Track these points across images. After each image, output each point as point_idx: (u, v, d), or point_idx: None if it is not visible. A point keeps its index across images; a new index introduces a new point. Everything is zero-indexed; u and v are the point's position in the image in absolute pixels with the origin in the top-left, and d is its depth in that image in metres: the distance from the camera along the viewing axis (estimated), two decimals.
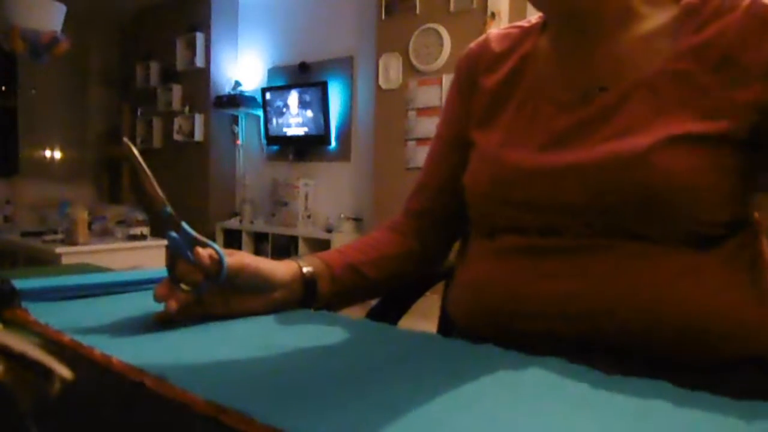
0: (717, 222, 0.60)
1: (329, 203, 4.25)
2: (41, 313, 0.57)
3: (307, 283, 0.69)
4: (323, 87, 4.14)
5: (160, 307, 0.58)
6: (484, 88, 0.77)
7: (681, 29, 0.63)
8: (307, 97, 4.24)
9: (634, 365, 0.48)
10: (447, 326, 0.78)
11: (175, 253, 0.59)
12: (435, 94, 3.47)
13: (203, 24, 4.76)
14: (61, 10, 3.09)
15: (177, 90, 4.94)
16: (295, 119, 4.34)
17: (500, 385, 0.44)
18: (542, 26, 0.76)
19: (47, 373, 0.26)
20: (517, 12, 3.19)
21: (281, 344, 0.54)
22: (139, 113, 5.25)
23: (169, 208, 0.59)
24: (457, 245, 0.87)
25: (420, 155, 3.44)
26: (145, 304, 0.64)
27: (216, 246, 0.60)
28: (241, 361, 0.48)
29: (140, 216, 3.40)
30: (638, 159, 0.58)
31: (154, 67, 5.12)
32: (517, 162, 0.68)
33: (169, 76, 5.00)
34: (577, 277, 0.61)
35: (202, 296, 0.60)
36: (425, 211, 0.84)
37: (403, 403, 0.39)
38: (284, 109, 4.38)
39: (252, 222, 4.53)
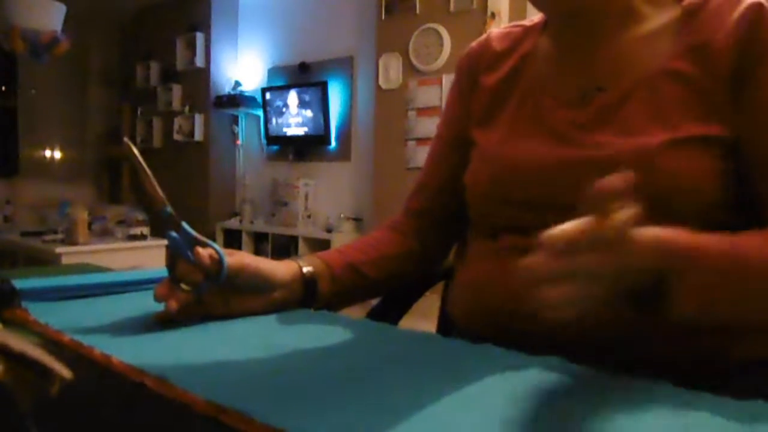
0: (719, 224, 0.60)
1: (329, 203, 4.25)
2: (41, 313, 0.57)
3: (307, 283, 0.69)
4: (323, 87, 4.14)
5: (160, 307, 0.58)
6: (485, 87, 0.77)
7: (681, 30, 0.63)
8: (307, 97, 4.24)
9: (635, 365, 0.48)
10: (447, 326, 0.78)
11: (175, 253, 0.59)
12: (435, 94, 3.46)
13: (203, 24, 4.76)
14: (61, 10, 3.09)
15: (177, 90, 4.94)
16: (295, 119, 4.34)
17: (500, 385, 0.44)
18: (543, 25, 0.76)
19: (47, 373, 0.26)
20: (517, 12, 3.18)
21: (281, 344, 0.54)
22: (139, 113, 5.25)
23: (169, 208, 0.59)
24: (456, 245, 0.87)
25: (420, 155, 3.44)
26: (145, 304, 0.64)
27: (216, 246, 0.60)
28: (241, 361, 0.48)
29: (140, 216, 3.40)
30: (643, 161, 0.58)
31: (154, 67, 5.12)
32: (516, 161, 0.68)
33: (169, 76, 5.00)
34: None
35: (202, 296, 0.60)
36: (425, 211, 0.84)
37: (402, 403, 0.39)
38: (284, 109, 4.38)
39: (252, 222, 4.53)
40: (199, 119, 4.77)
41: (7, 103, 4.92)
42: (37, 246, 3.11)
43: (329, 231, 3.99)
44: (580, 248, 0.42)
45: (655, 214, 0.59)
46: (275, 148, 4.63)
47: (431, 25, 3.47)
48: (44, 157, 5.24)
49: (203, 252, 0.59)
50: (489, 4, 3.25)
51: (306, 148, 4.41)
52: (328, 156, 4.31)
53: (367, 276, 0.76)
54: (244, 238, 4.47)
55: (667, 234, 0.49)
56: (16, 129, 4.95)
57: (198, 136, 4.77)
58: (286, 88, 4.38)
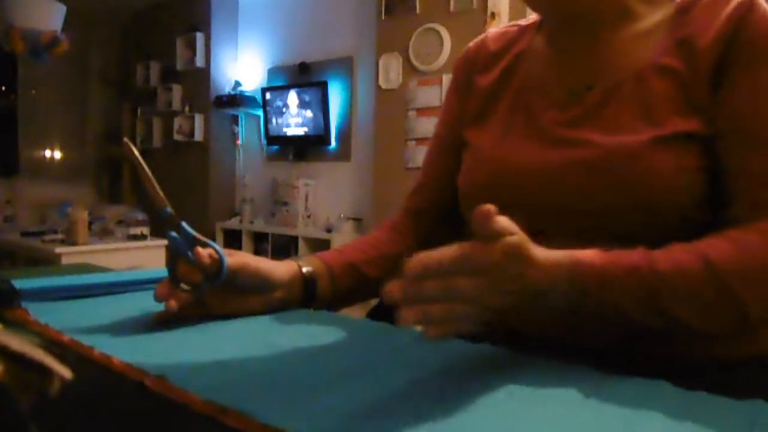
0: (702, 222, 0.60)
1: (329, 203, 4.25)
2: (41, 313, 0.57)
3: (307, 282, 0.69)
4: (323, 87, 4.14)
5: (160, 307, 0.58)
6: (479, 88, 0.77)
7: (673, 26, 0.63)
8: (307, 97, 4.24)
9: (635, 365, 0.48)
10: None
11: (176, 253, 0.59)
12: (435, 94, 3.46)
13: (203, 24, 4.76)
14: (61, 10, 3.09)
15: (177, 90, 4.94)
16: (295, 119, 4.33)
17: (499, 385, 0.44)
18: (539, 24, 0.76)
19: (47, 373, 0.26)
20: (517, 12, 3.18)
21: (281, 344, 0.54)
22: (139, 113, 5.25)
23: (169, 208, 0.59)
24: None
25: (420, 155, 3.44)
26: (145, 304, 0.64)
27: (216, 246, 0.60)
28: (240, 361, 0.48)
29: (140, 216, 3.40)
30: (627, 160, 0.59)
31: (154, 67, 5.12)
32: (507, 163, 0.68)
33: (169, 76, 5.00)
34: None
35: (202, 296, 0.60)
36: (423, 211, 0.84)
37: (402, 403, 0.39)
38: (284, 109, 4.38)
39: (252, 222, 4.52)
40: (199, 119, 4.77)
41: (7, 103, 4.92)
42: (37, 246, 3.11)
43: (329, 231, 3.99)
44: (444, 272, 0.43)
45: (640, 214, 0.59)
46: (275, 148, 4.62)
47: (431, 25, 3.47)
48: (44, 157, 5.24)
49: (203, 252, 0.59)
50: (489, 4, 3.25)
51: (306, 148, 4.41)
52: (328, 156, 4.31)
53: (366, 275, 0.76)
54: (244, 238, 4.47)
55: (565, 255, 0.51)
56: (16, 129, 4.95)
57: (198, 136, 4.77)
58: (286, 88, 4.38)
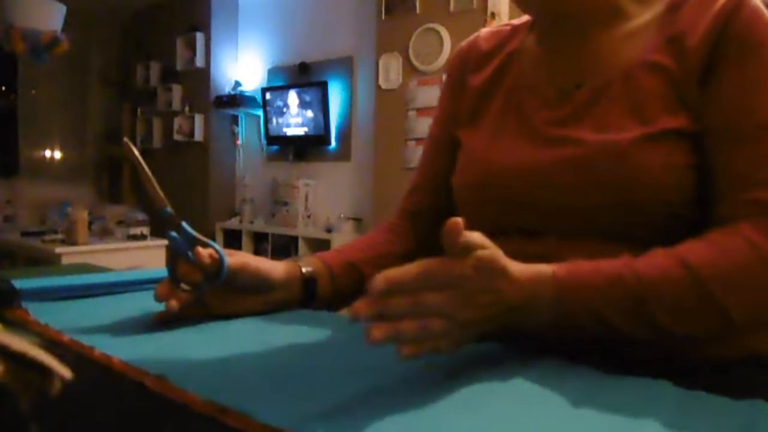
0: (697, 220, 0.60)
1: (329, 203, 4.25)
2: (41, 313, 0.57)
3: (307, 282, 0.69)
4: (323, 87, 4.13)
5: (160, 307, 0.58)
6: (472, 87, 0.77)
7: (663, 24, 0.63)
8: (307, 97, 4.23)
9: (635, 365, 0.48)
10: None
11: (176, 253, 0.59)
12: (435, 94, 3.46)
13: (203, 24, 4.76)
14: (61, 10, 3.09)
15: (177, 90, 4.93)
16: (295, 119, 4.33)
17: (500, 385, 0.44)
18: (531, 24, 0.76)
19: (47, 373, 0.26)
20: (517, 12, 3.17)
21: (281, 344, 0.54)
22: (139, 113, 5.25)
23: (169, 208, 0.59)
24: None
25: (420, 155, 3.44)
26: (145, 304, 0.64)
27: (216, 246, 0.60)
28: (240, 361, 0.48)
29: (140, 216, 3.40)
30: (616, 158, 0.59)
31: (154, 67, 5.11)
32: (499, 163, 0.68)
33: (169, 76, 5.00)
34: None
35: (203, 296, 0.60)
36: (420, 212, 0.84)
37: (402, 403, 0.39)
38: (284, 109, 4.38)
39: (252, 222, 4.52)
40: (199, 119, 4.77)
41: (7, 103, 4.91)
42: (37, 246, 3.11)
43: (329, 231, 3.99)
44: (410, 288, 0.42)
45: (629, 210, 0.59)
46: (275, 148, 4.62)
47: (431, 25, 3.47)
48: (44, 157, 5.24)
49: (203, 252, 0.59)
50: (489, 4, 3.25)
51: (306, 148, 4.41)
52: (328, 156, 4.31)
53: (365, 274, 0.76)
54: (244, 238, 4.47)
55: (539, 269, 0.51)
56: (16, 129, 4.95)
57: (198, 136, 4.77)
58: (286, 88, 4.38)
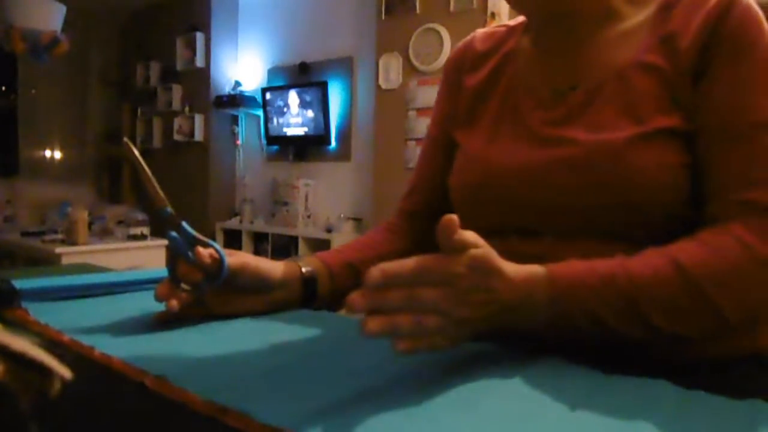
0: (694, 218, 0.60)
1: (329, 203, 4.25)
2: (41, 313, 0.57)
3: (307, 282, 0.70)
4: (323, 87, 4.14)
5: (160, 307, 0.58)
6: (468, 88, 0.77)
7: (656, 24, 0.63)
8: (307, 97, 4.24)
9: (635, 365, 0.48)
10: None
11: (176, 253, 0.59)
12: (435, 94, 3.43)
13: (203, 24, 4.76)
14: (61, 10, 3.09)
15: (177, 90, 4.94)
16: (295, 119, 4.33)
17: (500, 385, 0.44)
18: (526, 25, 0.76)
19: (47, 373, 0.26)
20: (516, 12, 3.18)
21: (281, 344, 0.54)
22: (139, 113, 5.25)
23: (169, 208, 0.59)
24: None
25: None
26: (145, 304, 0.64)
27: (216, 245, 0.60)
28: (241, 361, 0.49)
29: (140, 216, 3.40)
30: (610, 157, 0.59)
31: (154, 67, 5.12)
32: (496, 164, 0.68)
33: (169, 76, 5.00)
34: None
35: (203, 296, 0.60)
36: (418, 212, 0.84)
37: (402, 402, 0.39)
38: (284, 109, 4.38)
39: (252, 222, 4.52)
40: (199, 119, 4.77)
41: (7, 103, 4.92)
42: (37, 246, 3.11)
43: (329, 231, 3.99)
44: (405, 282, 0.42)
45: (624, 209, 0.59)
46: (275, 148, 4.62)
47: (431, 25, 3.47)
48: (44, 157, 5.24)
49: (203, 251, 0.59)
50: (489, 4, 3.25)
51: (306, 148, 4.41)
52: (328, 156, 4.31)
53: (365, 274, 0.76)
54: (244, 238, 4.47)
55: (533, 269, 0.51)
56: (16, 129, 4.95)
57: (198, 136, 4.77)
58: (286, 88, 4.38)
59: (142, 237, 3.30)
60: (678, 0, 0.62)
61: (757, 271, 0.53)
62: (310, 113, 4.24)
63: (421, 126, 3.52)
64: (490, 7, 3.24)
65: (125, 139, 0.66)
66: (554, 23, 0.69)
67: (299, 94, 4.28)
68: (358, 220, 4.06)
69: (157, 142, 5.07)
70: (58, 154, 5.33)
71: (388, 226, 0.85)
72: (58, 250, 2.92)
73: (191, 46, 4.80)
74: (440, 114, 0.83)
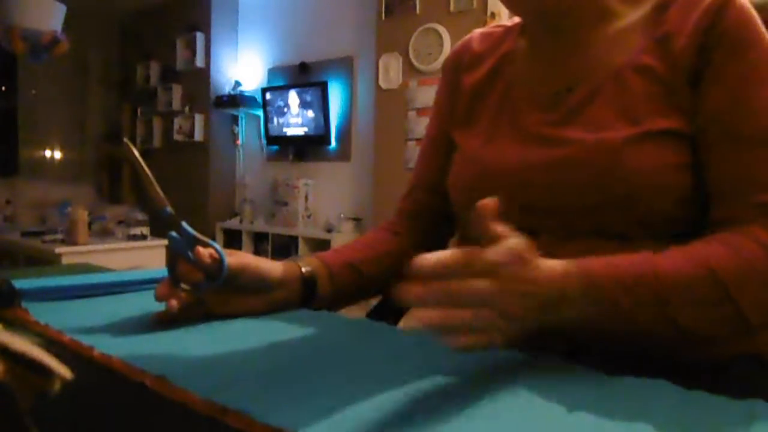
0: (690, 219, 0.60)
1: (329, 203, 4.25)
2: (41, 313, 0.57)
3: (307, 282, 0.70)
4: (323, 87, 4.14)
5: (160, 307, 0.58)
6: (466, 87, 0.78)
7: (651, 24, 0.63)
8: (307, 97, 4.24)
9: (634, 365, 0.48)
10: None
11: (176, 253, 0.59)
12: (435, 94, 3.46)
13: (203, 24, 4.76)
14: (61, 10, 3.08)
15: (177, 90, 4.94)
16: (295, 119, 4.34)
17: (500, 385, 0.44)
18: (523, 26, 0.76)
19: (47, 373, 0.26)
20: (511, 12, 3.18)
21: (281, 344, 0.54)
22: (139, 113, 5.25)
23: (169, 209, 0.59)
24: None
25: None
26: (145, 304, 0.64)
27: (217, 245, 0.60)
28: (241, 361, 0.49)
29: (140, 216, 3.40)
30: (607, 157, 0.59)
31: (154, 67, 5.12)
32: (493, 163, 0.68)
33: (169, 76, 5.00)
34: None
35: (203, 296, 0.60)
36: (417, 212, 0.84)
37: (402, 402, 0.39)
38: (284, 109, 4.38)
39: (252, 222, 4.53)
40: (199, 119, 4.77)
41: (7, 103, 4.92)
42: (37, 246, 3.11)
43: (329, 231, 3.99)
44: (451, 273, 0.40)
45: (621, 209, 0.59)
46: (275, 148, 4.63)
47: (431, 25, 3.47)
48: (44, 157, 5.24)
49: (204, 251, 0.59)
50: (489, 4, 3.25)
51: (306, 148, 4.41)
52: (328, 156, 4.31)
53: (365, 274, 0.77)
54: (244, 238, 4.47)
55: (572, 264, 0.49)
56: (16, 129, 4.95)
57: (198, 136, 4.77)
58: (286, 88, 4.38)
59: (142, 237, 3.30)
60: (673, 1, 0.62)
61: None
62: (310, 113, 4.24)
63: (421, 126, 3.52)
64: (490, 7, 3.24)
65: (125, 139, 0.66)
66: (549, 23, 0.69)
67: (299, 94, 4.28)
68: (358, 220, 4.06)
69: (157, 142, 5.07)
70: (58, 154, 5.33)
71: (388, 226, 0.85)
72: (58, 250, 2.92)
73: (191, 46, 4.80)
74: (439, 114, 0.83)
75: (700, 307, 0.52)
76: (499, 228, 0.43)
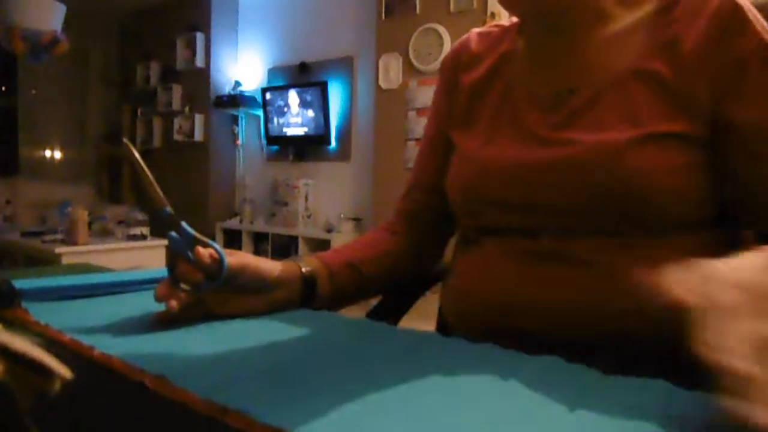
0: (694, 219, 0.60)
1: (329, 203, 4.25)
2: (41, 313, 0.57)
3: (307, 282, 0.70)
4: (323, 87, 4.14)
5: (160, 307, 0.58)
6: (464, 87, 0.77)
7: (655, 26, 0.63)
8: (308, 97, 4.24)
9: (634, 365, 0.48)
10: (446, 326, 0.78)
11: (176, 253, 0.59)
12: None
13: (203, 24, 4.77)
14: (61, 10, 3.08)
15: (177, 90, 4.94)
16: (295, 119, 4.34)
17: (500, 385, 0.44)
18: (521, 26, 0.76)
19: (47, 373, 0.26)
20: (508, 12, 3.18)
21: (281, 344, 0.54)
22: (139, 113, 5.25)
23: (169, 209, 0.59)
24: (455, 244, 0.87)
25: None
26: (145, 304, 0.64)
27: (216, 245, 0.60)
28: (241, 361, 0.49)
29: (140, 216, 3.40)
30: (609, 157, 0.59)
31: (154, 67, 5.12)
32: (493, 163, 0.68)
33: (169, 76, 5.01)
34: (556, 284, 0.61)
35: (203, 296, 0.60)
36: (416, 212, 0.84)
37: (402, 402, 0.39)
38: (284, 109, 4.38)
39: (252, 222, 4.53)
40: (199, 119, 4.77)
41: (7, 103, 4.92)
42: (37, 246, 3.11)
43: (329, 231, 3.99)
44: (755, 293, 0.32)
45: (623, 210, 0.59)
46: (275, 148, 4.63)
47: (431, 25, 3.47)
48: (44, 157, 5.24)
49: (203, 251, 0.59)
50: (489, 4, 3.26)
51: (306, 148, 4.41)
52: (328, 156, 4.32)
53: (365, 274, 0.77)
54: (244, 238, 4.48)
55: None
56: (16, 129, 4.95)
57: (198, 136, 4.77)
58: (286, 88, 4.38)
59: (142, 237, 3.30)
60: (675, 2, 0.62)
61: None
62: (310, 113, 4.24)
63: (421, 126, 3.52)
64: (490, 7, 3.24)
65: (125, 139, 0.66)
66: (546, 24, 0.69)
67: (299, 94, 4.28)
68: (358, 220, 4.06)
69: (157, 142, 5.07)
70: (58, 154, 5.33)
71: (388, 226, 0.85)
72: (58, 250, 2.92)
73: (191, 46, 4.80)
74: (437, 113, 0.83)
75: None
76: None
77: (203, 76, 4.78)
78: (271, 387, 0.42)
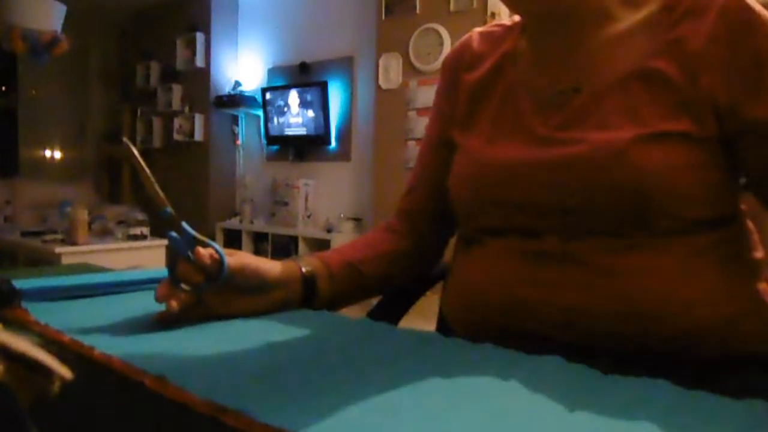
0: (699, 219, 0.60)
1: (329, 203, 4.25)
2: (41, 313, 0.57)
3: (307, 282, 0.70)
4: (323, 87, 4.14)
5: (160, 307, 0.58)
6: (466, 87, 0.77)
7: (659, 25, 0.63)
8: (308, 97, 4.24)
9: (634, 365, 0.48)
10: (446, 326, 0.78)
11: (176, 253, 0.59)
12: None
13: (203, 24, 4.77)
14: (61, 10, 3.09)
15: (177, 90, 4.94)
16: (295, 119, 4.34)
17: (499, 385, 0.44)
18: (523, 25, 0.76)
19: (47, 373, 0.26)
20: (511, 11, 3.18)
21: (281, 344, 0.54)
22: (139, 113, 5.25)
23: (169, 209, 0.59)
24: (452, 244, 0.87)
25: None
26: (145, 304, 0.64)
27: (216, 245, 0.60)
28: (241, 361, 0.49)
29: (140, 216, 3.40)
30: (613, 156, 0.59)
31: (154, 67, 5.12)
32: (496, 163, 0.68)
33: (169, 76, 5.01)
34: (559, 284, 0.61)
35: (203, 296, 0.60)
36: (416, 212, 0.84)
37: (402, 402, 0.39)
38: (284, 109, 4.38)
39: (252, 222, 4.53)
40: (199, 119, 4.77)
41: (7, 103, 4.92)
42: (37, 246, 3.11)
43: (329, 231, 3.99)
44: None
45: (626, 209, 0.59)
46: (275, 148, 4.63)
47: (431, 25, 3.47)
48: (44, 157, 5.24)
49: (204, 252, 0.59)
50: (489, 4, 3.26)
51: (306, 148, 4.42)
52: (328, 156, 4.32)
53: (364, 274, 0.77)
54: (244, 238, 4.48)
55: None
56: (16, 129, 4.95)
57: (198, 136, 4.77)
58: (286, 88, 4.38)
59: (142, 237, 3.30)
60: (679, 1, 0.62)
61: None
62: (310, 113, 4.24)
63: (421, 126, 3.52)
64: (490, 7, 3.24)
65: (125, 139, 0.66)
66: (548, 23, 0.69)
67: (299, 94, 4.28)
68: (358, 220, 4.06)
69: (157, 142, 5.07)
70: (58, 154, 5.33)
71: (388, 226, 0.85)
72: (58, 250, 2.92)
73: (191, 46, 4.80)
74: (438, 113, 0.83)
75: None
76: None
77: (203, 76, 4.78)
78: (271, 387, 0.42)
